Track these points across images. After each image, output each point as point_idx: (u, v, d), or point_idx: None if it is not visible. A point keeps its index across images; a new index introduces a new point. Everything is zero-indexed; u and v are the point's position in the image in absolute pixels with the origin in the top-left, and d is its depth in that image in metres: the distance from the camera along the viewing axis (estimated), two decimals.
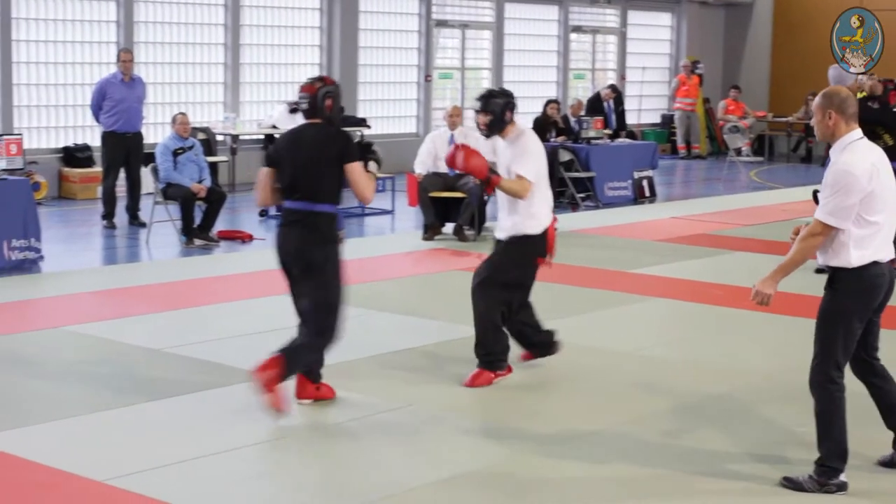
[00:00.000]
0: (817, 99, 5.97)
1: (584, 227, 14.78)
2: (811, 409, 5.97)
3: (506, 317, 7.83)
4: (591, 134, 17.62)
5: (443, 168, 13.88)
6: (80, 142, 17.16)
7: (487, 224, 14.20)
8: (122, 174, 14.38)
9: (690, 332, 9.66)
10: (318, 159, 6.99)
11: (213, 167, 16.18)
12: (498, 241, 7.89)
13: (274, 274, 11.03)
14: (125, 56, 14.54)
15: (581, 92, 24.37)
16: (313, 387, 7.24)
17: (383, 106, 21.49)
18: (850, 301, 5.83)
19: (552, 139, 17.22)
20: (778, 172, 23.02)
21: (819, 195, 6.00)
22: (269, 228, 14.45)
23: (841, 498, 5.87)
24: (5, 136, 11.90)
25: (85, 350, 8.54)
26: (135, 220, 14.34)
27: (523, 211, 7.72)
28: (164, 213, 13.33)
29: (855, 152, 5.82)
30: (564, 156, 17.01)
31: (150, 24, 18.00)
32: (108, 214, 14.27)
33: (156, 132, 17.22)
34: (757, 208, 17.18)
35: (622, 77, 25.97)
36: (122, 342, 8.71)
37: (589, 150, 17.24)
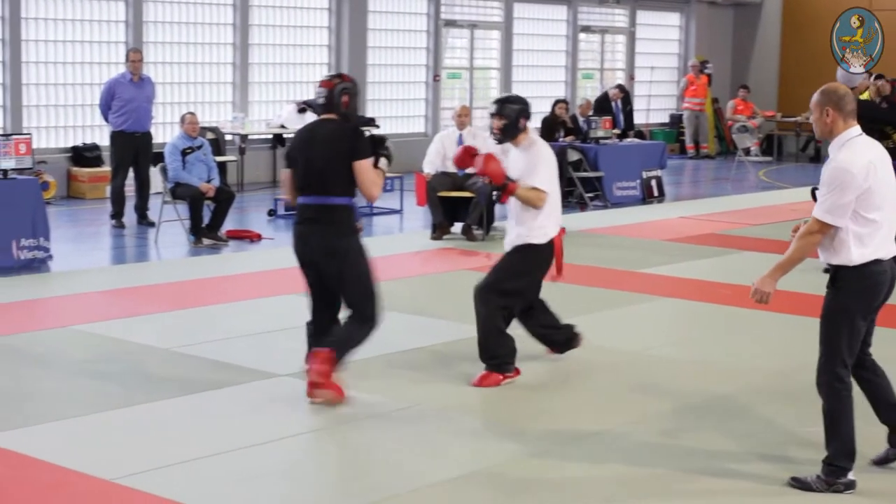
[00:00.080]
0: (815, 96, 5.95)
1: (592, 226, 14.78)
2: (819, 409, 5.97)
3: (507, 321, 7.85)
4: (600, 134, 17.61)
5: (451, 168, 13.88)
6: (88, 141, 17.20)
7: (496, 224, 14.21)
8: (130, 174, 14.39)
9: (698, 331, 9.65)
10: (330, 154, 7.06)
11: (222, 167, 16.20)
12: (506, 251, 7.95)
13: (282, 273, 11.07)
14: (134, 56, 14.56)
15: (590, 92, 24.37)
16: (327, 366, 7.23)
17: (392, 105, 21.50)
18: (852, 299, 5.82)
19: (561, 139, 17.22)
20: (786, 172, 22.99)
21: (817, 193, 6.00)
22: (277, 228, 14.47)
23: (849, 497, 5.86)
24: (14, 136, 11.92)
25: (93, 349, 8.56)
26: (143, 220, 14.36)
27: (530, 221, 7.75)
28: (172, 212, 13.35)
29: (853, 149, 5.80)
30: (573, 155, 17.01)
31: (158, 24, 18.03)
32: (117, 214, 14.29)
33: (164, 132, 17.25)
34: (765, 208, 17.16)
35: (631, 77, 25.96)
36: (130, 341, 8.73)
37: (597, 150, 17.23)
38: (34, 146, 12.57)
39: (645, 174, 17.81)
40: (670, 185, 19.43)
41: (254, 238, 13.52)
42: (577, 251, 11.78)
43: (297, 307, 9.36)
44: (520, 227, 7.80)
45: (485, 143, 13.54)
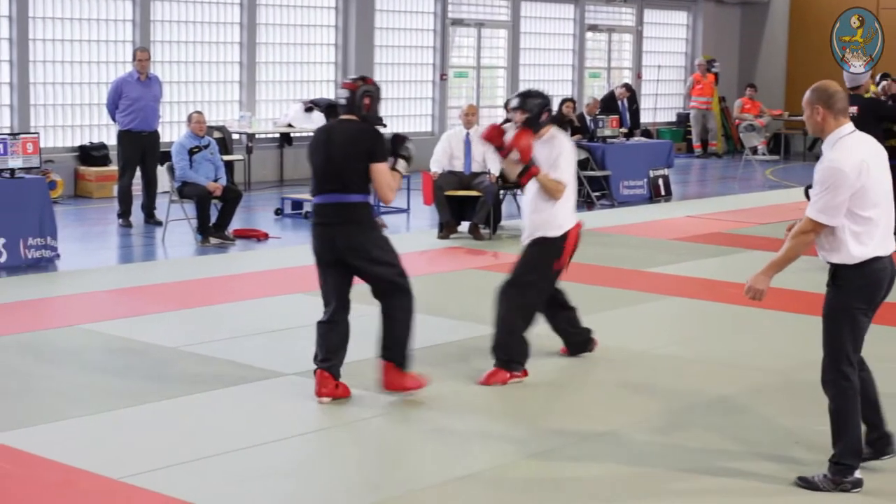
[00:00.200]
0: (806, 94, 5.95)
1: (599, 225, 14.76)
2: (825, 408, 5.96)
3: (528, 320, 7.87)
4: (607, 133, 17.61)
5: (458, 167, 13.89)
6: (96, 140, 17.21)
7: (503, 223, 14.21)
8: (137, 173, 14.41)
9: (705, 330, 9.65)
10: (349, 154, 7.17)
11: (229, 166, 16.20)
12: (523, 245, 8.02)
13: (289, 272, 11.09)
14: (141, 55, 14.57)
15: (597, 91, 24.35)
16: (333, 384, 7.25)
17: (399, 104, 21.50)
18: (853, 297, 5.81)
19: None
20: (794, 171, 22.96)
21: (810, 192, 5.99)
22: (284, 227, 14.48)
23: (856, 496, 5.85)
24: (22, 135, 11.93)
25: (100, 348, 8.57)
26: (150, 219, 14.37)
27: (545, 213, 7.80)
28: (179, 211, 13.36)
29: (844, 149, 5.78)
30: (580, 154, 16.98)
31: (166, 23, 18.05)
32: (124, 213, 14.31)
33: (172, 131, 17.26)
34: (773, 207, 17.13)
35: (638, 76, 25.95)
36: (137, 340, 8.74)
37: (604, 149, 17.23)
38: (41, 145, 12.59)
39: (652, 173, 17.81)
40: (677, 184, 19.42)
41: (261, 237, 13.53)
42: (584, 250, 11.67)
43: (305, 306, 9.39)
44: (535, 219, 7.86)
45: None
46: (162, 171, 13.99)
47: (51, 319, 9.56)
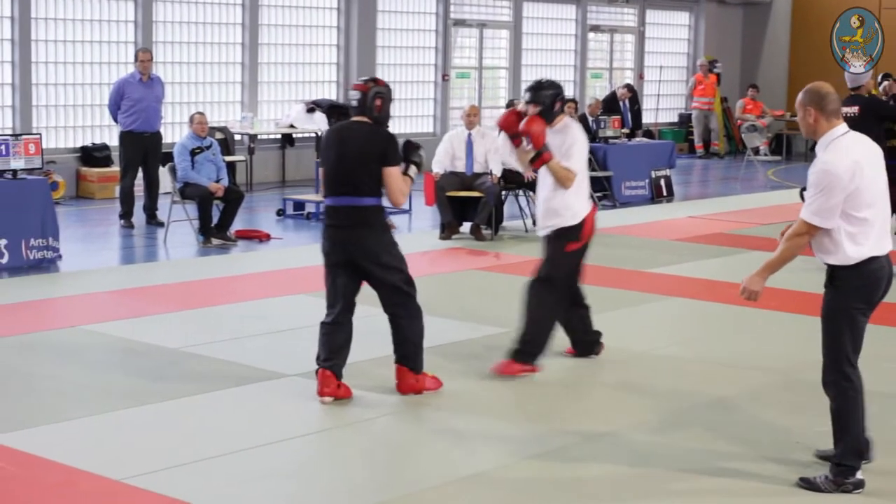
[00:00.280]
0: (799, 96, 5.94)
1: (601, 226, 14.66)
2: (826, 409, 5.96)
3: (556, 312, 7.93)
4: (609, 133, 17.61)
5: (460, 167, 13.89)
6: (98, 141, 17.23)
7: (504, 224, 14.21)
8: (139, 174, 14.41)
9: (706, 331, 9.65)
10: (360, 156, 7.19)
11: (231, 167, 16.22)
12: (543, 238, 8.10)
13: (291, 273, 11.09)
14: (143, 56, 14.57)
15: (599, 91, 24.36)
16: (335, 384, 7.26)
17: (400, 105, 21.48)
18: (851, 297, 5.81)
19: None
20: (795, 172, 22.94)
21: (805, 194, 5.98)
22: (286, 228, 14.49)
23: (858, 497, 5.85)
24: (24, 136, 11.94)
25: (102, 349, 8.58)
26: (152, 220, 14.38)
27: (558, 202, 7.87)
28: (181, 212, 13.37)
29: (837, 150, 5.77)
30: None
31: (168, 24, 18.06)
32: (126, 214, 14.32)
33: (174, 132, 17.27)
34: (774, 207, 17.12)
35: (640, 76, 25.95)
36: (138, 341, 8.74)
37: (606, 150, 17.22)
38: (43, 146, 12.59)
39: (654, 174, 17.81)
40: (679, 184, 19.42)
41: (263, 238, 13.53)
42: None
43: (307, 307, 9.41)
44: (549, 208, 7.91)
45: (493, 143, 13.57)
46: (164, 172, 14.00)
47: (52, 320, 9.57)
